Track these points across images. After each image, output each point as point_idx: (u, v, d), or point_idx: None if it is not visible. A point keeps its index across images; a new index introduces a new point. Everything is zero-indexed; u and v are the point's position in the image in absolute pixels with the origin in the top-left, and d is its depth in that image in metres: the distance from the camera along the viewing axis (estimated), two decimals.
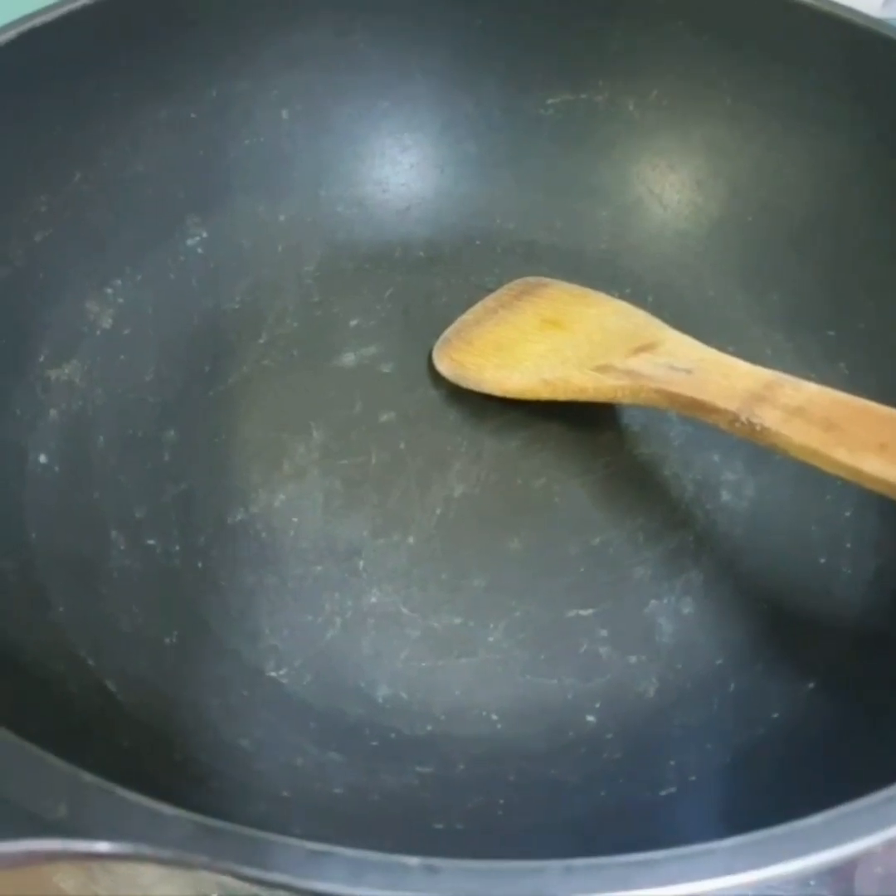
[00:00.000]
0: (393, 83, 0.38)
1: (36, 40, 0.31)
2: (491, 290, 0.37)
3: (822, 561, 0.29)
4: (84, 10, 0.32)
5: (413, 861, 0.14)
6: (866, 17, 0.34)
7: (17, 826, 0.14)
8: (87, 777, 0.15)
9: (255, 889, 0.27)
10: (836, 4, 0.34)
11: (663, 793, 0.23)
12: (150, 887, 0.27)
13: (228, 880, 0.27)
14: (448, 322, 0.36)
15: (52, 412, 0.31)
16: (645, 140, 0.38)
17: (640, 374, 0.28)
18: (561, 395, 0.31)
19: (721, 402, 0.25)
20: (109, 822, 0.14)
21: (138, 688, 0.25)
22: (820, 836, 0.14)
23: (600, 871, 0.14)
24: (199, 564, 0.29)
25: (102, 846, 0.13)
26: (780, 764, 0.23)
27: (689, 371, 0.27)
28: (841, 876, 0.25)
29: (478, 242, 0.39)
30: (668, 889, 0.13)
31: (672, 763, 0.24)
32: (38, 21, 0.31)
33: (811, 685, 0.25)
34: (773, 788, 0.21)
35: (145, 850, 0.14)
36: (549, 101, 0.39)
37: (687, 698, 0.26)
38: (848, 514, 0.29)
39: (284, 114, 0.38)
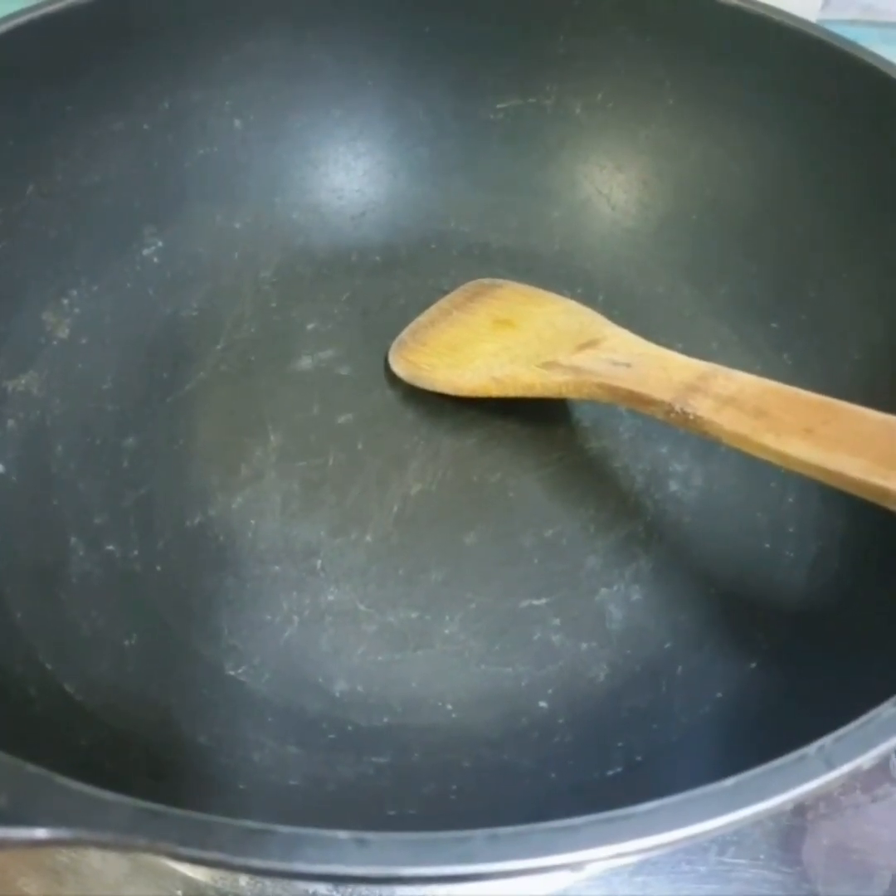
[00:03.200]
0: (345, 91, 0.39)
1: None
2: (447, 292, 0.38)
3: (767, 546, 0.29)
4: (32, 24, 0.32)
5: (343, 835, 0.14)
6: (799, 20, 0.35)
7: None
8: (31, 768, 0.15)
9: (219, 885, 0.28)
10: (772, 8, 0.35)
11: (610, 773, 0.23)
12: (117, 887, 0.28)
13: (193, 878, 0.28)
14: (405, 324, 0.36)
15: (10, 422, 0.31)
16: (592, 142, 0.39)
17: (583, 369, 0.28)
18: (511, 392, 0.31)
19: (657, 394, 0.26)
20: (50, 809, 0.14)
21: (98, 690, 0.25)
22: (731, 798, 0.15)
23: (524, 837, 0.14)
24: (159, 568, 0.29)
25: (41, 833, 0.14)
26: (722, 741, 0.23)
27: (628, 365, 0.27)
28: (789, 848, 0.26)
29: (433, 245, 0.40)
30: (588, 852, 0.14)
31: (620, 744, 0.24)
32: None
33: (753, 665, 0.26)
34: (713, 764, 0.22)
35: (85, 835, 0.14)
36: (499, 106, 0.40)
37: (636, 682, 0.27)
38: (791, 500, 0.30)
39: (238, 123, 0.38)
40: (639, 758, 0.24)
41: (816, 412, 0.22)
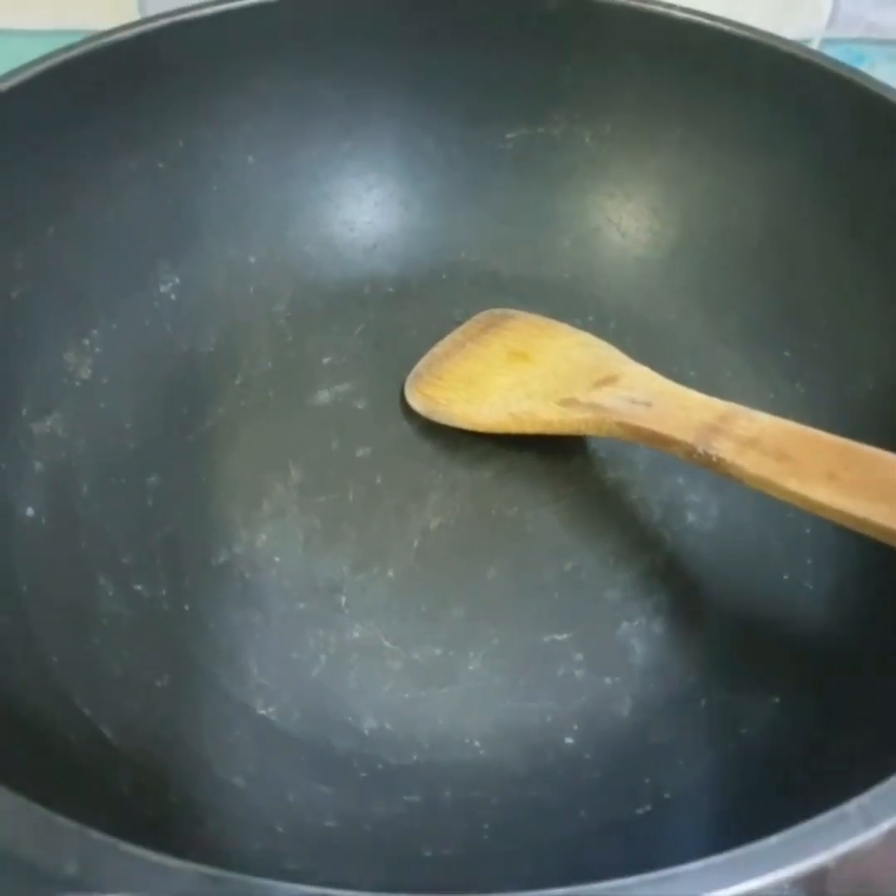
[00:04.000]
0: (354, 124, 0.40)
1: (4, 101, 0.31)
2: (459, 323, 0.38)
3: (785, 577, 0.30)
4: (51, 71, 0.33)
5: None
6: (807, 49, 0.36)
7: (31, 884, 0.15)
8: (94, 834, 0.15)
9: None
10: (779, 38, 0.36)
11: (640, 811, 0.24)
12: None
13: None
14: (419, 355, 0.37)
15: (37, 465, 0.32)
16: (601, 170, 0.40)
17: (602, 407, 0.29)
18: (528, 429, 0.32)
19: (679, 434, 0.26)
20: (117, 876, 0.15)
21: (133, 733, 0.26)
22: (774, 856, 0.15)
23: None
24: (186, 607, 0.30)
25: None
26: (748, 779, 0.24)
27: (648, 404, 0.28)
28: (814, 879, 0.26)
29: (444, 276, 0.40)
30: None
31: (647, 781, 0.25)
32: (3, 85, 0.32)
33: (776, 700, 0.26)
34: (740, 803, 0.23)
35: None
36: (508, 136, 0.40)
37: (660, 717, 0.27)
38: (807, 530, 0.31)
39: (251, 159, 0.39)
40: (667, 795, 0.24)
41: (839, 456, 0.23)
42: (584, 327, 0.38)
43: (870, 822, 0.16)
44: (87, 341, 0.35)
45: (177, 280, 0.37)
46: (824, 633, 0.28)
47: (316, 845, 0.23)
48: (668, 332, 0.38)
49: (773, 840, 0.16)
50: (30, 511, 0.30)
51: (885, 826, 0.16)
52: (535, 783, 0.26)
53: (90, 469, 0.33)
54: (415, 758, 0.27)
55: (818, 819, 0.16)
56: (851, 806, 0.16)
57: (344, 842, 0.24)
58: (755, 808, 0.21)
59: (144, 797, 0.23)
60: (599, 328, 0.38)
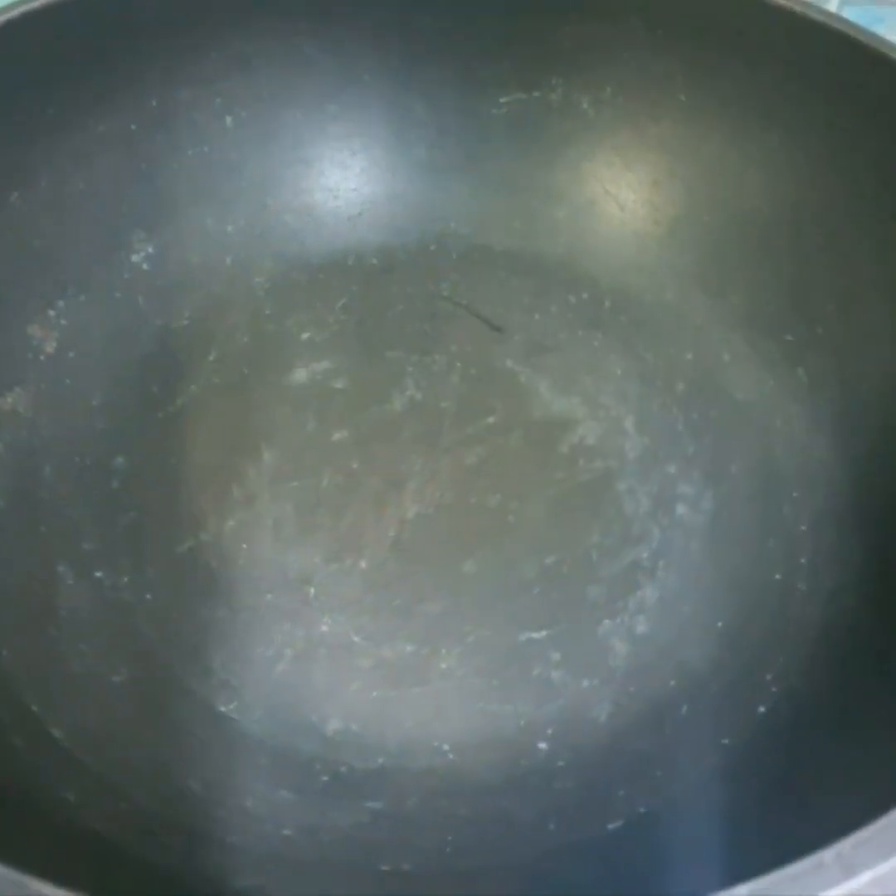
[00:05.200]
0: (340, 86, 0.38)
1: None
2: (446, 297, 0.36)
3: (778, 577, 0.28)
4: (10, 23, 0.31)
5: None
6: (823, 11, 0.33)
7: None
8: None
9: None
10: None
11: (611, 826, 0.22)
12: None
13: None
14: (401, 334, 0.35)
15: None
16: (600, 139, 0.38)
17: None
18: None
19: None
20: None
21: (85, 733, 0.25)
22: None
23: None
24: (149, 597, 0.29)
25: None
26: (726, 797, 0.22)
27: None
28: None
29: (432, 248, 0.38)
30: None
31: (621, 793, 0.24)
32: None
33: (761, 709, 0.25)
34: (717, 826, 0.21)
35: None
36: (502, 100, 0.38)
37: (639, 723, 0.26)
38: (804, 527, 0.29)
39: (229, 121, 0.37)
40: (641, 809, 0.23)
41: None
42: (578, 305, 0.36)
43: (849, 872, 0.15)
44: (52, 313, 0.33)
45: (150, 250, 0.36)
46: (818, 639, 0.26)
47: (269, 859, 0.22)
48: (666, 311, 0.36)
49: (742, 891, 0.14)
50: None
51: (866, 876, 0.14)
52: (506, 792, 0.24)
53: (54, 449, 0.31)
54: (380, 762, 0.25)
55: (792, 867, 0.15)
56: (830, 853, 0.15)
57: (300, 852, 0.23)
58: (732, 831, 0.20)
59: (91, 807, 0.22)
60: (594, 307, 0.36)
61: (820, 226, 0.34)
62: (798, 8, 0.33)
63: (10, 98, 0.31)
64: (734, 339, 0.35)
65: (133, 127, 0.35)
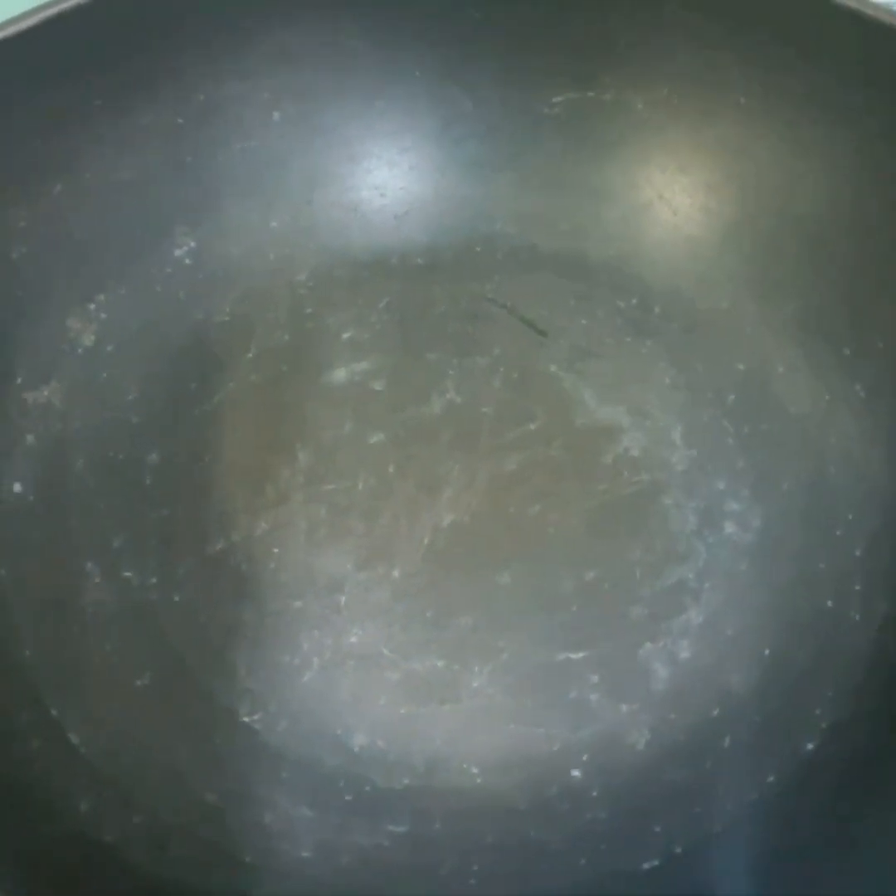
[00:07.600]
0: (389, 81, 0.37)
1: (8, 49, 0.29)
2: (490, 299, 0.35)
3: (829, 604, 0.27)
4: (60, 16, 0.30)
5: None
6: (889, 11, 0.32)
7: None
8: None
9: None
10: None
11: (646, 866, 0.21)
12: None
13: None
14: (444, 335, 0.34)
15: (29, 438, 0.30)
16: (654, 140, 0.36)
17: None
18: None
19: None
20: None
21: (104, 737, 0.24)
22: None
23: None
24: (177, 598, 0.28)
25: None
26: (768, 839, 0.21)
27: None
28: None
29: (478, 248, 0.37)
30: None
31: (657, 829, 0.22)
32: (11, 30, 0.29)
33: (809, 746, 0.23)
34: (756, 869, 0.20)
35: None
36: (554, 100, 0.37)
37: (678, 753, 0.24)
38: (858, 552, 0.27)
39: (276, 116, 0.36)
40: (678, 849, 0.22)
41: None
42: (627, 310, 0.35)
43: None
44: (92, 306, 0.33)
45: (193, 244, 0.35)
46: (870, 672, 0.25)
47: (285, 880, 0.21)
48: (718, 319, 0.34)
49: None
50: (17, 487, 0.29)
51: None
52: (535, 820, 0.23)
53: (86, 443, 0.31)
54: (406, 781, 0.24)
55: None
56: None
57: (318, 874, 0.22)
58: (772, 878, 0.19)
59: (103, 818, 0.21)
60: (643, 313, 0.35)
61: (882, 232, 0.32)
62: (868, 10, 0.32)
63: (56, 89, 0.31)
64: (788, 351, 0.33)
65: (180, 120, 0.34)
